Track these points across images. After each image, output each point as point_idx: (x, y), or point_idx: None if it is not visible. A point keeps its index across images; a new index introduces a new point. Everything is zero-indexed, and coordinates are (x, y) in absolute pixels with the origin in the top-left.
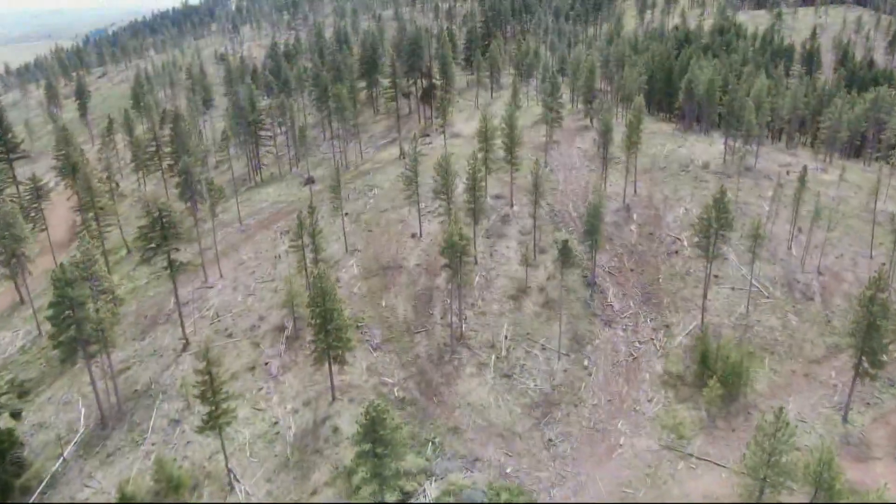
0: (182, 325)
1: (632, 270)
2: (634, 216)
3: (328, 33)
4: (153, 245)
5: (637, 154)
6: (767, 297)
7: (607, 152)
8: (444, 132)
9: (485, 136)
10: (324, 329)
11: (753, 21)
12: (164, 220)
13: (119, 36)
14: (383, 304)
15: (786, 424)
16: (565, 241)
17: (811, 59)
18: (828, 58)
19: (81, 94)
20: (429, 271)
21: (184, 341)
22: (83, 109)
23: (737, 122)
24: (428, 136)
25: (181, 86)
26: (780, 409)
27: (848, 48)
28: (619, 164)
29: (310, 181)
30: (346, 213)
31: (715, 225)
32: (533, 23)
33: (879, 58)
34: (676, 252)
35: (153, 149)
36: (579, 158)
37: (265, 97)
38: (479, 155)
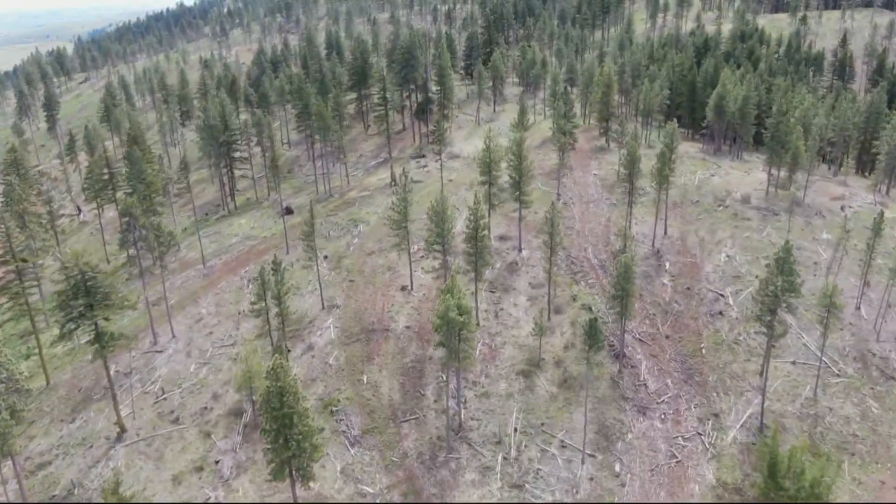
0: (116, 410)
1: (667, 338)
2: (667, 265)
3: (321, 38)
4: (74, 315)
5: (668, 187)
6: (838, 376)
7: (634, 186)
8: (440, 159)
9: (488, 168)
10: (282, 436)
11: (773, 25)
12: (87, 284)
13: (103, 39)
14: (364, 380)
15: None
16: (593, 321)
17: (843, 69)
18: (858, 66)
19: (50, 105)
20: (420, 336)
21: (119, 429)
22: (51, 122)
23: (781, 147)
24: (423, 156)
25: (161, 95)
26: None
27: (884, 56)
28: (643, 195)
29: (287, 212)
30: (326, 257)
31: (781, 295)
32: (537, 27)
33: None
34: (721, 313)
35: (106, 177)
36: (596, 189)
37: (249, 110)
38: (482, 189)
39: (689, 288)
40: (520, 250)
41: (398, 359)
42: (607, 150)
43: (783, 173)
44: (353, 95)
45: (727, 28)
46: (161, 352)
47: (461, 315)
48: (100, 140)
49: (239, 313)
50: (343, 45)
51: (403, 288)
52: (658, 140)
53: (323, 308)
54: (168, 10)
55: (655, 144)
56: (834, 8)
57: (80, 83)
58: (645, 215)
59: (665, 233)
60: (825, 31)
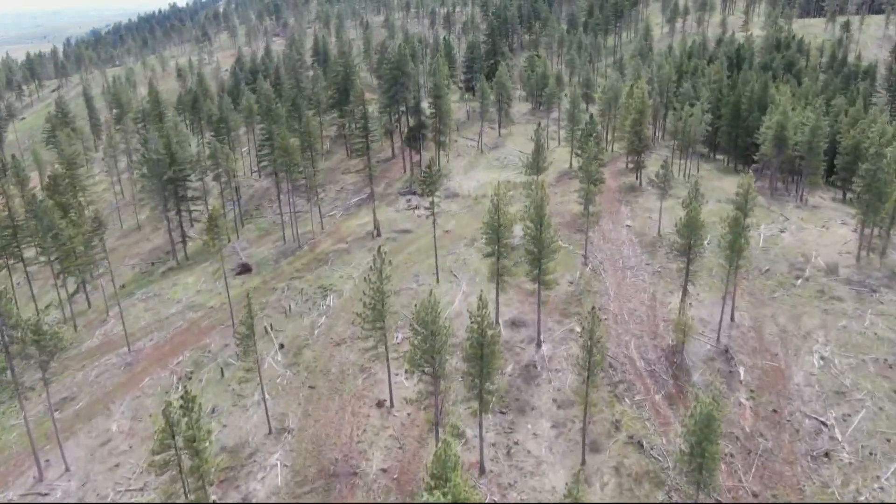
0: None
1: (756, 496)
2: (741, 372)
3: (310, 43)
4: None
5: (738, 261)
6: None
7: (691, 259)
8: (432, 213)
9: (496, 234)
10: None
11: (805, 31)
12: None
13: (78, 43)
14: None
15: None
16: None
17: None
18: None
19: None
20: (400, 485)
21: None
22: None
23: (878, 199)
24: (414, 193)
25: (128, 107)
26: None
27: None
28: (693, 258)
29: (243, 270)
30: (282, 346)
31: None
32: (545, 33)
33: None
34: (827, 455)
35: (9, 233)
36: (632, 247)
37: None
38: (488, 261)
39: (775, 411)
40: (538, 345)
41: None
42: (639, 190)
43: (875, 230)
44: (336, 114)
45: (756, 34)
46: (46, 494)
47: None
48: (43, 167)
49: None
50: (331, 53)
51: (380, 404)
52: (698, 174)
53: (270, 432)
54: (160, 10)
55: (698, 183)
56: (871, 12)
57: (53, 91)
58: (700, 290)
59: (732, 319)
60: (866, 39)
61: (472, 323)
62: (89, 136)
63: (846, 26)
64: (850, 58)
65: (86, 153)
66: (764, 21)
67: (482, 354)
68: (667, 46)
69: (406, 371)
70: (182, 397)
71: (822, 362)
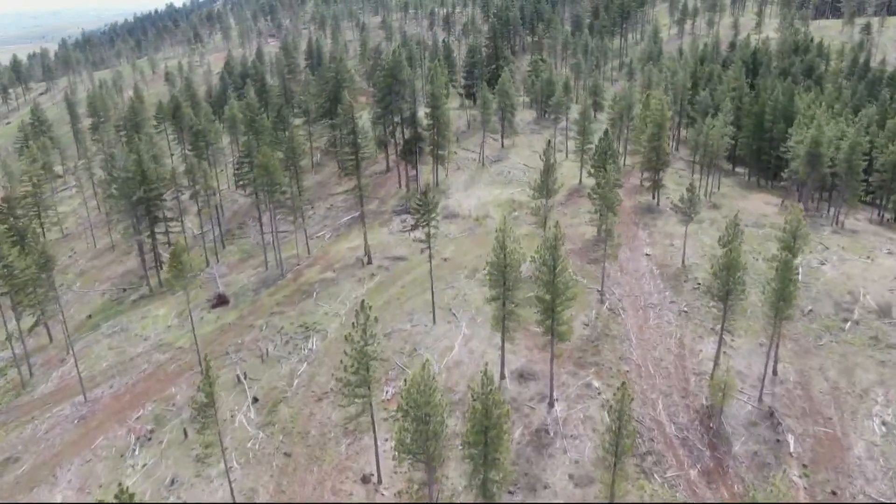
0: None
1: None
2: (790, 440)
3: (305, 45)
4: None
5: (785, 309)
6: None
7: (729, 305)
8: (428, 244)
9: (502, 275)
10: None
11: (820, 33)
12: None
13: (65, 46)
14: None
15: None
16: None
17: None
18: None
19: None
20: None
21: None
22: None
23: None
24: (409, 213)
25: (108, 115)
26: None
27: None
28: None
29: (219, 302)
30: (256, 399)
31: None
32: (548, 35)
33: None
34: None
35: None
36: (654, 281)
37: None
38: (493, 305)
39: (835, 492)
40: (551, 404)
41: None
42: (657, 211)
43: None
44: (328, 123)
45: (770, 36)
46: None
47: None
48: (15, 180)
49: None
50: (325, 56)
51: (365, 479)
52: (719, 191)
53: None
54: (156, 11)
55: (721, 203)
56: (889, 13)
57: (40, 94)
58: (735, 336)
59: (774, 372)
60: (885, 42)
61: (474, 401)
62: (71, 143)
63: (867, 28)
64: (873, 62)
65: (64, 163)
66: (778, 23)
67: (486, 440)
68: (676, 49)
69: (395, 458)
70: (116, 495)
71: (884, 429)
